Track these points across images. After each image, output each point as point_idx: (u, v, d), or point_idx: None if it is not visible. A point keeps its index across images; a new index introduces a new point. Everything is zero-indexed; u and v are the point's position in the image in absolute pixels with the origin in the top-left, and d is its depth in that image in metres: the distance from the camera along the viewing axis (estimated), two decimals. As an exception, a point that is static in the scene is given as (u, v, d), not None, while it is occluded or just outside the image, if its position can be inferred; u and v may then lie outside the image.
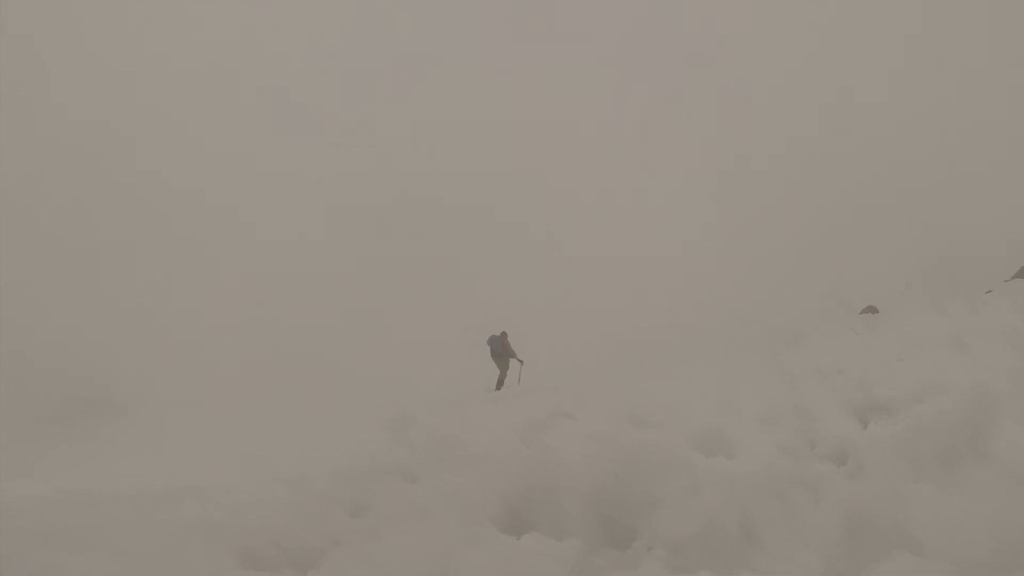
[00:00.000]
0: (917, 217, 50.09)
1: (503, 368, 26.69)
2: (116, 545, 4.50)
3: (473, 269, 53.74)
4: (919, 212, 50.56)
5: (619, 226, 57.84)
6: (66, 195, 50.61)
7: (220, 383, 33.37)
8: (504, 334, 27.27)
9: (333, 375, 34.66)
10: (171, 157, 58.72)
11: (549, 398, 14.15)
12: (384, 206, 59.87)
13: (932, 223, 48.70)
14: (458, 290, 50.25)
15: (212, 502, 6.02)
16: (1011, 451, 4.07)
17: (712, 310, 40.85)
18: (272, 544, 4.60)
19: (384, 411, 14.06)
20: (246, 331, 43.60)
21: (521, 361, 26.98)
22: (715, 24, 75.31)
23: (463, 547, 3.90)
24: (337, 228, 57.11)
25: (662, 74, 72.82)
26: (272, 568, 4.31)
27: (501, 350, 26.74)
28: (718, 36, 74.58)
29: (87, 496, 6.18)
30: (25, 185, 49.58)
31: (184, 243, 53.21)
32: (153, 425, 23.62)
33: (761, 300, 41.48)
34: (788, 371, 12.58)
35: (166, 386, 33.65)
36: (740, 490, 4.90)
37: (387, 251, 57.17)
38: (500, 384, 26.45)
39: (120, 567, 4.10)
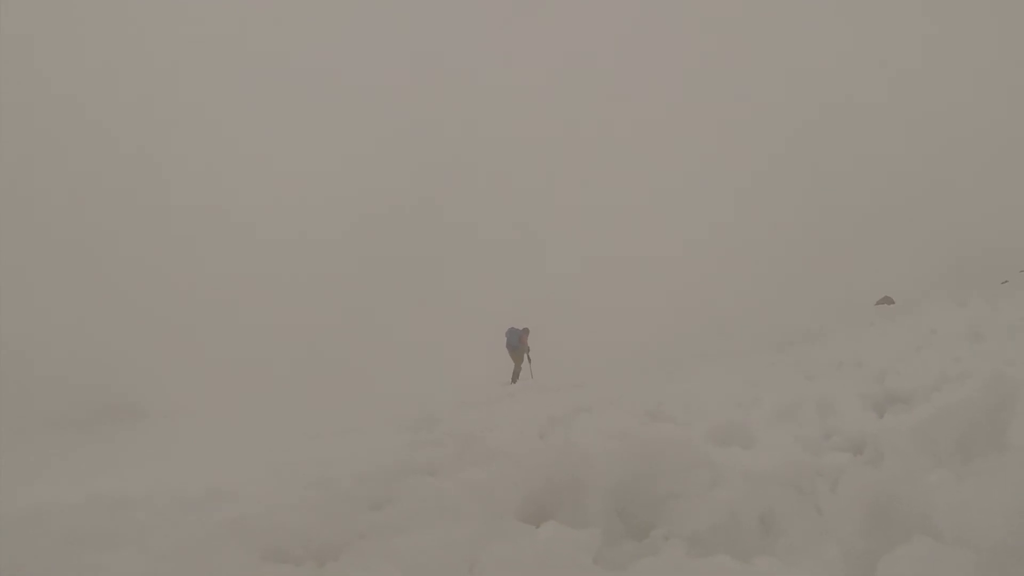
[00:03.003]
0: (935, 216, 49.89)
1: (517, 361, 27.04)
2: (145, 545, 4.59)
3: (483, 271, 53.78)
4: (937, 211, 50.35)
5: (634, 227, 57.79)
6: (91, 214, 50.99)
7: (239, 388, 33.54)
8: (526, 331, 27.57)
9: (349, 378, 34.79)
10: (181, 166, 59.02)
11: (569, 395, 14.23)
12: (390, 207, 59.95)
13: (950, 222, 48.50)
14: (468, 292, 50.33)
15: (237, 504, 6.11)
16: (1031, 440, 4.10)
17: (731, 310, 40.75)
18: (295, 541, 4.67)
19: (406, 412, 14.17)
20: (262, 336, 43.81)
21: (530, 360, 27.35)
22: (721, 24, 75.12)
23: (485, 538, 3.96)
24: (345, 229, 57.23)
25: (671, 75, 72.71)
26: (294, 562, 4.39)
27: (517, 343, 27.05)
28: (725, 36, 74.43)
29: (115, 500, 6.29)
30: (42, 197, 49.97)
31: (197, 250, 53.54)
32: (175, 430, 23.79)
33: (781, 300, 41.39)
34: (807, 366, 12.60)
35: (187, 392, 33.85)
36: (759, 482, 4.96)
37: (394, 252, 57.31)
38: (515, 377, 26.77)
39: (149, 564, 4.18)
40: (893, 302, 31.82)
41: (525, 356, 27.60)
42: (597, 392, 14.00)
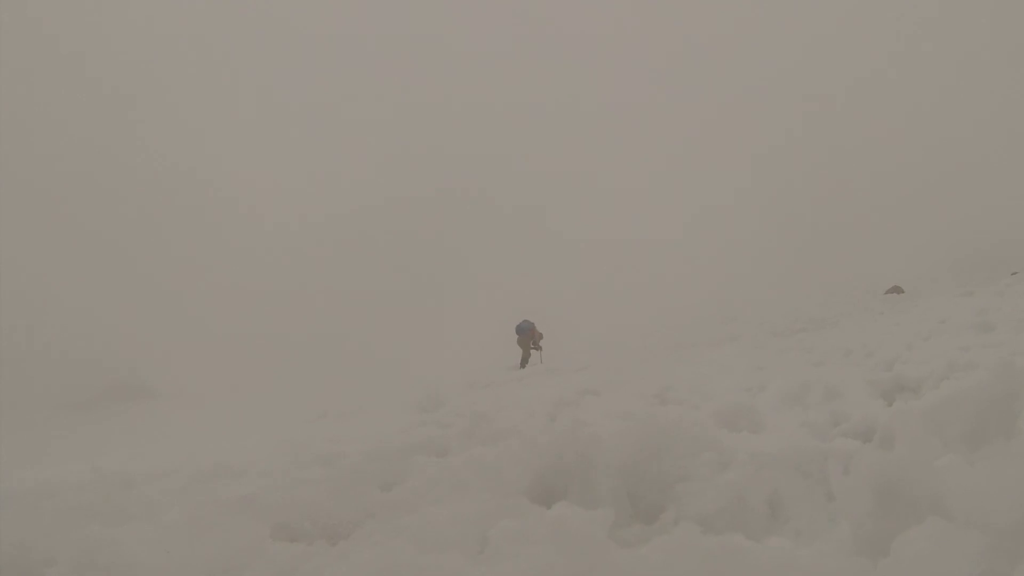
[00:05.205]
0: (946, 206, 49.69)
1: (525, 347, 27.51)
2: (155, 520, 4.60)
3: (491, 256, 53.80)
4: (948, 201, 50.14)
5: (643, 213, 57.71)
6: (97, 195, 51.18)
7: (246, 369, 33.61)
8: (539, 335, 28.07)
9: (356, 361, 34.84)
10: (192, 152, 59.25)
11: (577, 378, 14.24)
12: (397, 193, 60.01)
13: (961, 212, 48.32)
14: (475, 277, 50.35)
15: (245, 481, 6.12)
16: (1039, 427, 4.10)
17: (739, 296, 40.71)
18: (306, 518, 4.69)
19: (415, 393, 14.20)
20: (269, 317, 43.90)
21: (540, 348, 27.73)
22: (727, 11, 74.86)
23: (495, 516, 3.97)
24: (351, 214, 57.31)
25: (681, 60, 72.51)
26: (305, 539, 4.40)
27: (526, 331, 27.61)
28: (738, 18, 74.17)
29: (125, 476, 6.30)
30: (57, 186, 50.19)
31: (204, 233, 53.72)
32: (182, 410, 23.88)
33: (789, 287, 41.31)
34: (816, 353, 12.60)
35: (194, 372, 33.93)
36: (768, 466, 4.97)
37: (400, 238, 57.39)
38: (524, 363, 27.16)
39: (159, 539, 4.19)
40: (903, 291, 31.76)
41: (534, 344, 28.03)
42: (605, 375, 14.00)
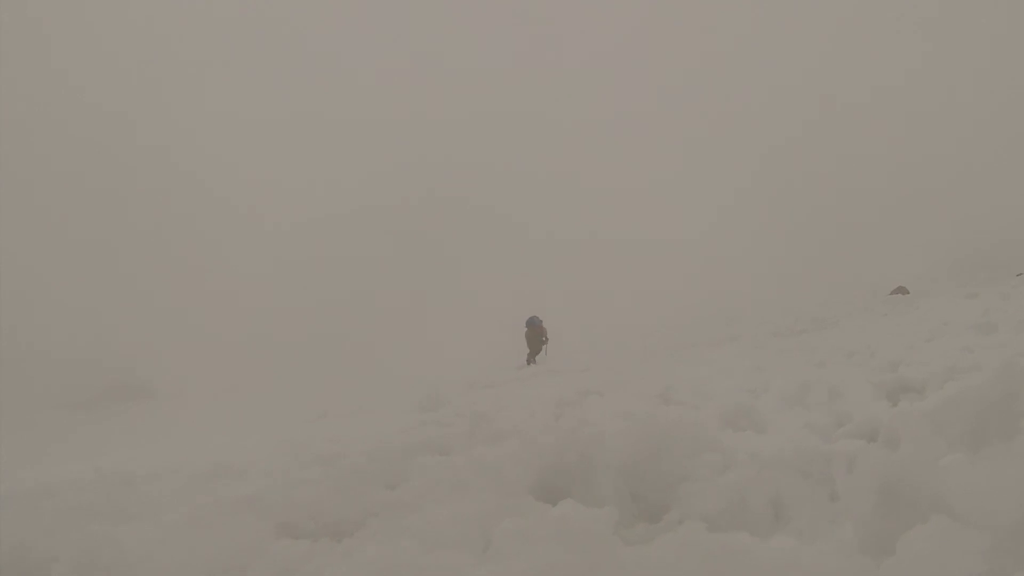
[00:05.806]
0: (949, 206, 49.67)
1: (532, 342, 27.81)
2: (157, 519, 4.60)
3: (491, 257, 53.84)
4: (952, 202, 50.13)
5: (645, 213, 57.73)
6: (96, 196, 51.30)
7: (246, 369, 33.64)
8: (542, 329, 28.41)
9: (356, 362, 34.86)
10: (192, 154, 59.41)
11: (579, 378, 14.22)
12: (398, 195, 60.10)
13: (964, 213, 48.30)
14: (475, 277, 50.37)
15: (247, 480, 6.13)
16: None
17: (741, 297, 40.70)
18: (309, 517, 4.70)
19: (415, 393, 14.19)
20: (268, 319, 43.94)
21: (546, 340, 27.97)
22: (728, 14, 74.96)
23: (498, 515, 3.97)
24: (351, 215, 57.36)
25: (684, 61, 72.54)
26: (309, 537, 4.40)
27: (536, 326, 27.95)
28: (731, 25, 74.27)
29: (126, 476, 6.31)
30: (57, 187, 50.32)
31: (203, 235, 53.85)
32: (182, 410, 23.91)
33: (792, 287, 41.29)
34: (818, 354, 12.57)
35: (197, 373, 33.99)
36: (770, 466, 4.96)
37: (400, 239, 57.45)
38: (530, 360, 27.44)
39: (161, 537, 4.19)
40: (907, 292, 31.62)
41: (541, 340, 28.30)
42: (606, 376, 13.98)
